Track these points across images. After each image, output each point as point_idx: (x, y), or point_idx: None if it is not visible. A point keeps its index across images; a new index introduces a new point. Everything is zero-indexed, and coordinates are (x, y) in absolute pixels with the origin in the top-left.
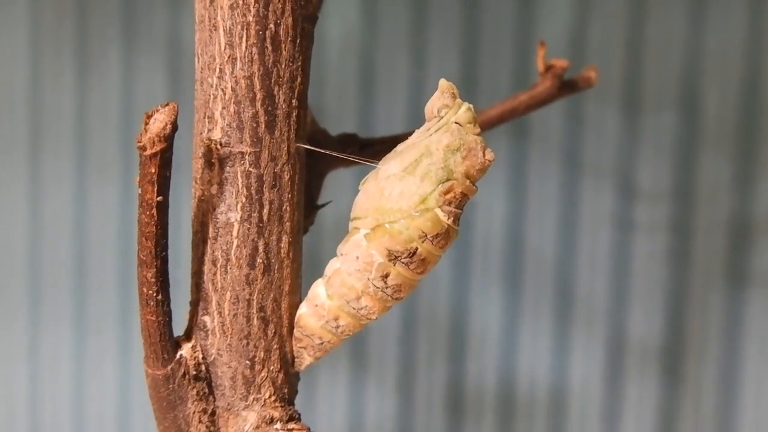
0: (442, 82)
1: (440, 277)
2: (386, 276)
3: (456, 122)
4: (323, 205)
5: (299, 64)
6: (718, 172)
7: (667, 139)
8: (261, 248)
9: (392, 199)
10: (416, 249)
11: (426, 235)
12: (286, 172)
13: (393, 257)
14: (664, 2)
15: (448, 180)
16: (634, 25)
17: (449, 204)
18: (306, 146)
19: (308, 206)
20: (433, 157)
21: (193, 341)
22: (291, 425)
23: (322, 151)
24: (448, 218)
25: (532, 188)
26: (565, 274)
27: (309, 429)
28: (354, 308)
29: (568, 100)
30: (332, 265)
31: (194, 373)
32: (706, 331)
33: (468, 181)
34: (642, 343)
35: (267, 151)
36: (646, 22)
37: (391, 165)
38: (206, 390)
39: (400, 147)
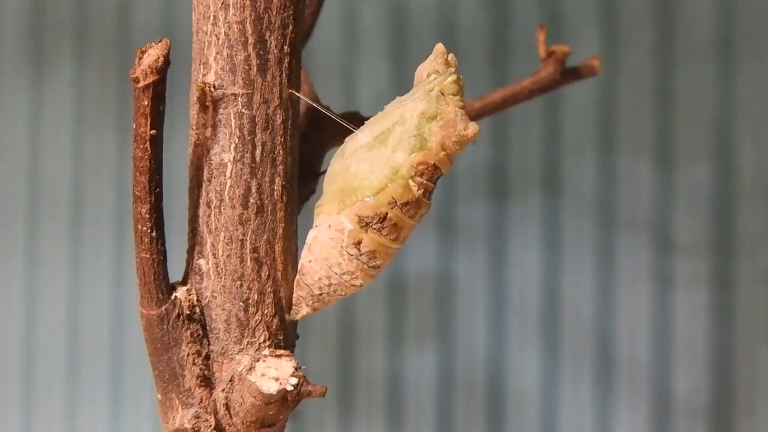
0: (438, 47)
1: (476, 335)
2: (359, 243)
3: (440, 90)
4: (324, 172)
5: (291, 12)
6: (757, 222)
7: (703, 191)
8: (254, 188)
9: (360, 176)
10: (386, 214)
11: (396, 202)
12: (278, 116)
13: (364, 223)
14: (692, 53)
15: (421, 149)
16: (662, 77)
17: (421, 175)
18: (297, 94)
19: (309, 175)
20: (407, 124)
21: (188, 285)
22: (279, 351)
23: (316, 105)
24: (418, 189)
25: (567, 244)
26: (604, 331)
27: (298, 365)
28: (336, 273)
29: (599, 155)
30: (311, 234)
31: (188, 313)
32: (755, 386)
33: (443, 152)
34: (688, 401)
35: (259, 94)
36: (674, 74)
37: (359, 137)
38: (200, 332)
39: (372, 118)
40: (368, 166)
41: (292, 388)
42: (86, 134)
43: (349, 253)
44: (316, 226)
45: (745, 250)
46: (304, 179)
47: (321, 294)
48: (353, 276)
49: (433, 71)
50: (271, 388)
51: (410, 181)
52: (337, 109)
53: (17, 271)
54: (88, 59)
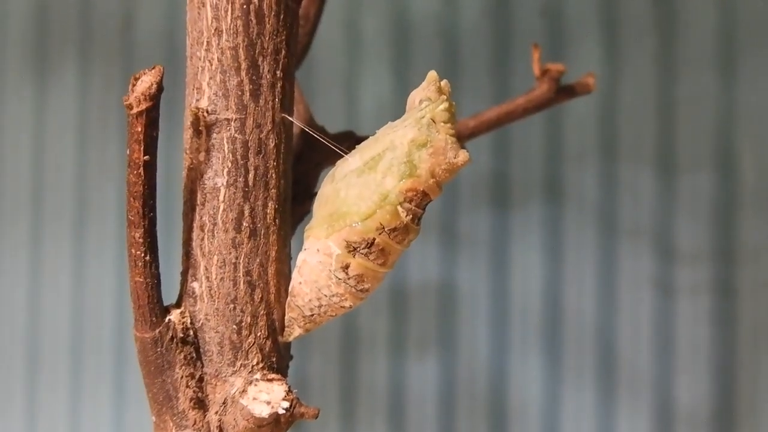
0: (431, 74)
1: (478, 343)
2: (347, 267)
3: (431, 118)
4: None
5: (283, 38)
6: (759, 230)
7: (704, 199)
8: (247, 212)
9: (349, 202)
10: (374, 239)
11: (383, 228)
12: (271, 140)
13: (351, 248)
14: (694, 61)
15: (410, 176)
16: (664, 85)
17: (410, 201)
18: (290, 118)
19: (304, 195)
20: (397, 151)
21: (182, 308)
22: (271, 375)
23: (309, 128)
24: (407, 215)
25: (569, 253)
26: (606, 339)
27: (290, 388)
28: (326, 295)
29: (601, 163)
30: (300, 257)
31: (182, 336)
32: (757, 394)
33: (432, 180)
34: (690, 408)
35: (252, 119)
36: (676, 82)
37: (349, 161)
38: (194, 354)
39: (363, 143)
40: (357, 192)
41: (284, 411)
42: (90, 139)
43: (337, 277)
44: (305, 249)
45: (747, 258)
46: (299, 199)
47: (312, 315)
48: (342, 298)
49: (425, 98)
50: (263, 411)
51: (399, 207)
52: (339, 118)
53: (21, 272)
54: (91, 66)
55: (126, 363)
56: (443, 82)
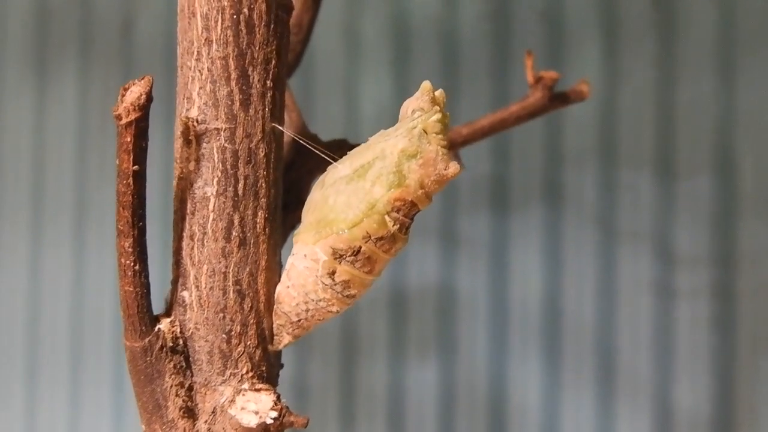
0: (425, 84)
1: (478, 347)
2: (333, 273)
3: (423, 129)
4: None
5: (273, 47)
6: (758, 234)
7: (704, 203)
8: (236, 222)
9: (337, 209)
10: (360, 248)
11: (370, 236)
12: (261, 149)
13: (338, 255)
14: (693, 65)
15: (399, 186)
16: (663, 89)
17: (397, 211)
18: (280, 127)
19: (296, 202)
20: (386, 160)
21: (172, 317)
22: (259, 385)
23: (300, 138)
24: (394, 225)
25: (569, 257)
26: (605, 343)
27: (279, 397)
28: (313, 300)
29: (600, 166)
30: (289, 261)
31: (171, 345)
32: (757, 398)
33: (421, 190)
34: (690, 412)
35: (242, 128)
36: (675, 86)
37: (339, 168)
38: (183, 364)
39: (354, 150)
40: (346, 199)
41: (272, 420)
42: (89, 140)
43: (323, 283)
44: (293, 254)
45: (746, 261)
46: (291, 207)
47: (299, 320)
48: (329, 303)
49: (418, 108)
50: (251, 421)
51: (386, 217)
52: (339, 123)
53: (21, 272)
54: (91, 68)
55: (125, 364)
56: (438, 92)
